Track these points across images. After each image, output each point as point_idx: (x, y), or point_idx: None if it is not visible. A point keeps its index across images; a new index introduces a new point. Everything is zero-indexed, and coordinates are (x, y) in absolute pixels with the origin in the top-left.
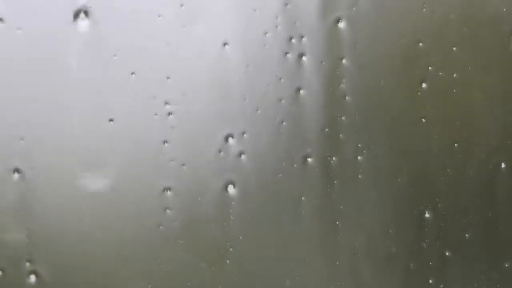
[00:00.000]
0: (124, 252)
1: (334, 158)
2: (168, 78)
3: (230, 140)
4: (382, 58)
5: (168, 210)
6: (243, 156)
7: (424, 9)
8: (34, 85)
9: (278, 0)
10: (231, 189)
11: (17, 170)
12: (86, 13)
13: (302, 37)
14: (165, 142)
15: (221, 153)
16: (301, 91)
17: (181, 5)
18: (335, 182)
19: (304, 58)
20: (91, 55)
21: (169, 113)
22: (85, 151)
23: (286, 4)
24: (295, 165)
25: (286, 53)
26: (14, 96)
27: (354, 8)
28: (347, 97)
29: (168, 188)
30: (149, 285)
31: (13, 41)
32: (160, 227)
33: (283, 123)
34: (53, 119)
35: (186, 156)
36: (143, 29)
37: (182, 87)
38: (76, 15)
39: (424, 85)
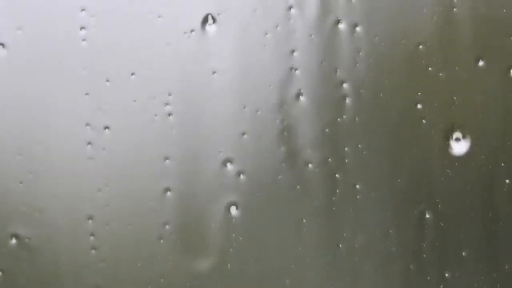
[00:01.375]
0: (124, 254)
1: (333, 159)
2: (167, 78)
3: (230, 141)
4: (382, 59)
5: (168, 210)
6: (242, 157)
7: (424, 10)
8: (33, 86)
9: (279, 1)
10: (233, 209)
11: (14, 174)
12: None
13: (302, 37)
14: (164, 142)
15: (221, 153)
16: (301, 92)
17: (181, 7)
18: (335, 182)
19: (304, 59)
20: (91, 55)
21: (169, 114)
22: (84, 152)
23: (287, 5)
24: (295, 166)
25: (286, 53)
26: (13, 97)
27: (354, 10)
28: (346, 99)
29: (168, 189)
30: (149, 286)
31: (13, 41)
32: (160, 232)
33: (283, 124)
34: (53, 120)
35: (185, 156)
36: (143, 29)
37: (182, 88)
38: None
39: (424, 85)
